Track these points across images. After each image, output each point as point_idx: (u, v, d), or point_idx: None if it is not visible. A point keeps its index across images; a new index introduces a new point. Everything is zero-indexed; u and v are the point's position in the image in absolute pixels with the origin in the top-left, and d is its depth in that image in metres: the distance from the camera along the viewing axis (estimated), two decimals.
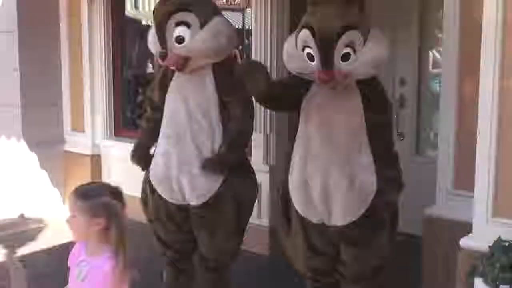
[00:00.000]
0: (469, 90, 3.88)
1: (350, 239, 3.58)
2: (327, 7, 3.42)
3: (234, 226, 4.09)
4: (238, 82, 3.60)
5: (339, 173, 3.50)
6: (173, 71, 4.00)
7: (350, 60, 3.37)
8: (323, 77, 3.38)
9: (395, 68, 5.77)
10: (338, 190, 3.51)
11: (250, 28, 5.56)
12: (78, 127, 6.83)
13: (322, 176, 3.53)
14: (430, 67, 5.82)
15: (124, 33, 6.83)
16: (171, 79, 4.04)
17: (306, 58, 3.44)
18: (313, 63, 3.41)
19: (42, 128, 6.68)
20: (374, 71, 3.47)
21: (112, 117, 6.69)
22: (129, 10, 7.11)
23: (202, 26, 3.83)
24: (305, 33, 3.42)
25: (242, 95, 3.85)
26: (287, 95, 3.57)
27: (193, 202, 3.97)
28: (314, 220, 3.60)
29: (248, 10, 5.92)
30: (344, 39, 3.33)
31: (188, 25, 3.81)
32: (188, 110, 3.97)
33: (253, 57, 5.39)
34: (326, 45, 3.36)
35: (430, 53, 5.80)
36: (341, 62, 3.36)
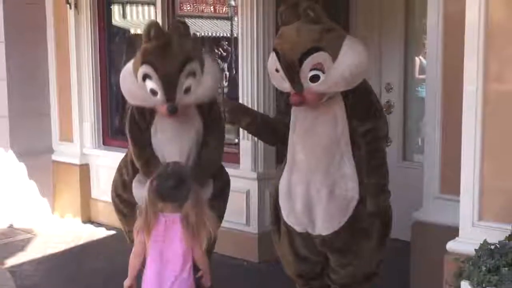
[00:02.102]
0: (454, 95, 3.90)
1: (335, 248, 3.62)
2: (291, 28, 3.44)
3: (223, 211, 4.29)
4: (216, 120, 3.92)
5: (320, 182, 3.53)
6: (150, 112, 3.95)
7: (320, 81, 3.37)
8: (293, 100, 3.45)
9: (382, 74, 5.81)
10: (319, 200, 3.54)
11: (237, 36, 5.58)
12: (66, 136, 6.82)
13: (304, 186, 3.58)
14: (417, 72, 5.86)
15: (111, 42, 6.83)
16: (150, 120, 3.96)
17: (281, 79, 3.50)
18: (287, 85, 3.47)
19: (30, 138, 6.67)
20: (351, 85, 3.44)
21: (100, 126, 6.69)
22: (117, 20, 7.12)
23: (201, 70, 3.82)
24: (273, 57, 3.49)
25: (220, 131, 4.04)
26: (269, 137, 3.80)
27: None
28: (298, 228, 3.64)
29: (235, 18, 5.95)
30: (307, 63, 3.34)
31: (194, 74, 3.78)
32: (182, 151, 3.94)
33: (239, 64, 5.41)
34: (290, 71, 3.40)
35: (417, 59, 5.84)
36: (310, 83, 3.38)
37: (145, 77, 3.72)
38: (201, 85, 3.80)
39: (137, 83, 3.77)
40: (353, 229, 3.54)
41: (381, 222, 3.62)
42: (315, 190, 3.55)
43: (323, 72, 3.35)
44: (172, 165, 3.40)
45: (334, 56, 3.35)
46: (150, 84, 3.72)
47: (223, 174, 4.23)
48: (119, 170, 4.22)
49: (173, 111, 3.72)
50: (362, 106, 3.53)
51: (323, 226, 3.56)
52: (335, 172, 3.52)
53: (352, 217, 3.53)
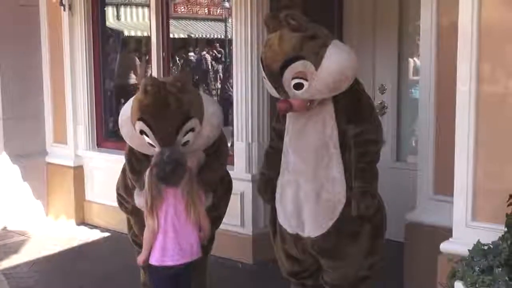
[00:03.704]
0: (447, 96, 3.92)
1: (323, 251, 3.63)
2: (274, 36, 3.45)
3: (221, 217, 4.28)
4: (218, 148, 3.96)
5: (308, 185, 3.55)
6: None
7: (304, 89, 3.38)
8: (279, 107, 3.50)
9: (375, 75, 5.82)
10: (307, 203, 3.56)
11: (231, 37, 5.60)
12: (60, 138, 6.81)
13: (293, 188, 3.60)
14: (411, 74, 5.88)
15: (105, 44, 6.83)
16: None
17: (270, 85, 3.54)
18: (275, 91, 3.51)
19: (24, 140, 6.66)
20: (337, 90, 3.45)
21: (94, 128, 6.67)
22: (111, 22, 7.12)
23: (201, 121, 3.79)
24: (261, 65, 3.54)
25: (221, 153, 4.07)
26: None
27: None
28: (289, 229, 3.66)
29: (229, 20, 5.96)
30: (288, 72, 3.36)
31: (193, 129, 3.75)
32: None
33: (233, 66, 5.42)
34: (272, 80, 3.45)
35: (411, 60, 5.86)
36: (295, 91, 3.39)
37: (142, 132, 3.73)
38: (200, 136, 3.81)
39: (135, 132, 3.78)
40: (341, 232, 3.55)
41: (372, 225, 3.61)
42: (303, 192, 3.57)
43: (306, 80, 3.37)
44: (167, 151, 3.63)
45: (317, 64, 3.35)
46: (147, 139, 3.73)
47: (226, 176, 4.24)
48: (123, 171, 4.24)
49: None
50: (351, 109, 3.52)
51: (311, 228, 3.58)
52: (323, 175, 3.53)
53: (339, 220, 3.53)
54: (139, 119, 3.71)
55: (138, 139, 3.81)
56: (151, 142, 3.73)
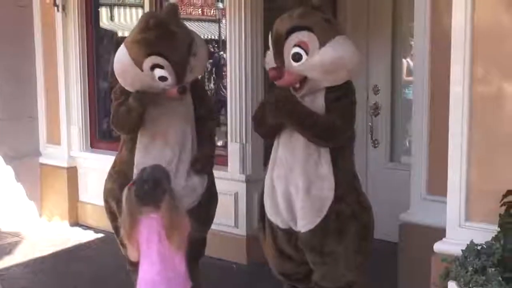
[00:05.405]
0: (441, 97, 3.93)
1: (310, 247, 3.62)
2: (292, 12, 3.53)
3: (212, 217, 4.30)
4: (205, 93, 4.22)
5: (297, 180, 3.55)
6: None
7: (301, 61, 3.41)
8: (271, 74, 3.51)
9: (369, 75, 5.83)
10: (297, 198, 3.56)
11: (225, 38, 5.60)
12: (53, 139, 6.80)
13: (284, 182, 3.60)
14: (404, 74, 5.89)
15: (99, 45, 6.82)
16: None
17: (272, 57, 3.59)
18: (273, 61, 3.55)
19: (17, 141, 6.65)
20: (329, 76, 3.46)
21: (88, 129, 6.67)
22: (105, 22, 7.11)
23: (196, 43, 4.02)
24: (270, 35, 3.60)
25: (210, 102, 4.35)
26: None
27: (193, 204, 4.01)
28: (281, 225, 3.66)
29: (223, 21, 5.97)
30: (292, 38, 3.41)
31: (195, 54, 3.98)
32: (175, 127, 4.06)
33: (227, 66, 5.42)
34: (276, 44, 3.49)
35: (404, 61, 5.87)
36: (292, 62, 3.42)
37: (155, 67, 3.83)
38: (198, 61, 4.00)
39: (142, 73, 3.86)
40: (327, 229, 3.55)
41: (359, 225, 3.61)
42: (293, 187, 3.57)
43: (307, 54, 3.40)
44: (148, 169, 3.54)
45: (322, 42, 3.40)
46: (160, 73, 3.84)
47: (212, 185, 4.25)
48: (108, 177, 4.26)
49: (183, 92, 3.90)
50: (336, 105, 3.53)
51: (301, 223, 3.58)
52: (312, 171, 3.54)
53: (327, 217, 3.54)
54: (150, 54, 3.81)
55: (145, 79, 3.87)
56: (165, 74, 3.83)
